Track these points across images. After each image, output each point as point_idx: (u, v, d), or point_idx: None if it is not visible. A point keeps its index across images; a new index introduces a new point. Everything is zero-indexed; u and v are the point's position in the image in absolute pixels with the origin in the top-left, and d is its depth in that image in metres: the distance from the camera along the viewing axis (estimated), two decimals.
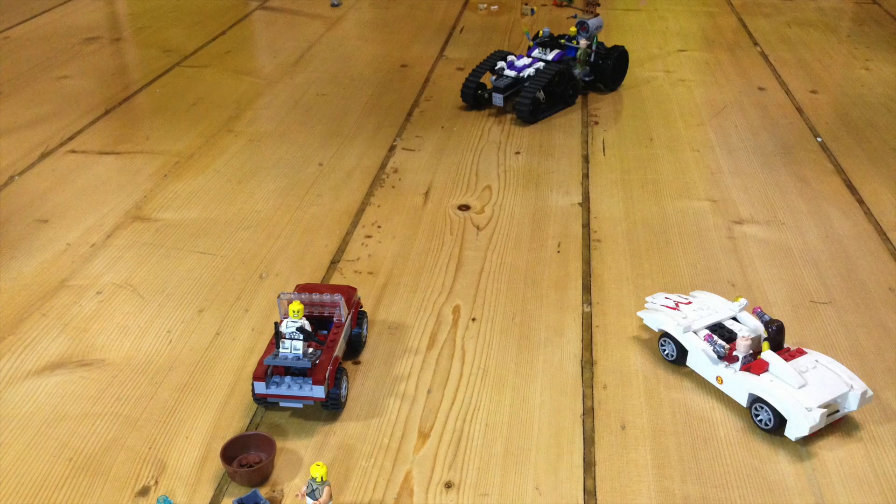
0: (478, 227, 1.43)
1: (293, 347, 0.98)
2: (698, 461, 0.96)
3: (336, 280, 1.29)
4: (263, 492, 0.91)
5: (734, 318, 1.09)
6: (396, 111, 1.90)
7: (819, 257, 1.35)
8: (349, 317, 1.08)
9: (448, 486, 0.93)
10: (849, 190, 1.56)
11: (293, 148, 1.72)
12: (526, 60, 1.88)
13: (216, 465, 0.95)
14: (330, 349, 1.01)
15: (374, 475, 0.94)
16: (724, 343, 1.04)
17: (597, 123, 1.84)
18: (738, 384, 1.00)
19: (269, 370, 1.00)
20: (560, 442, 0.99)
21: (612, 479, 0.94)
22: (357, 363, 1.11)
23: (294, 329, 0.99)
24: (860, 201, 1.52)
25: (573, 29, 1.93)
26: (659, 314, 1.10)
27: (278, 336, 0.99)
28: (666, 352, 1.09)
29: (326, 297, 1.05)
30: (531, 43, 1.96)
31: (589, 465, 0.96)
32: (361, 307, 1.14)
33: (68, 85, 2.04)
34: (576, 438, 0.99)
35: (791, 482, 0.93)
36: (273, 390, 0.98)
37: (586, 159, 1.68)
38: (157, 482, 0.93)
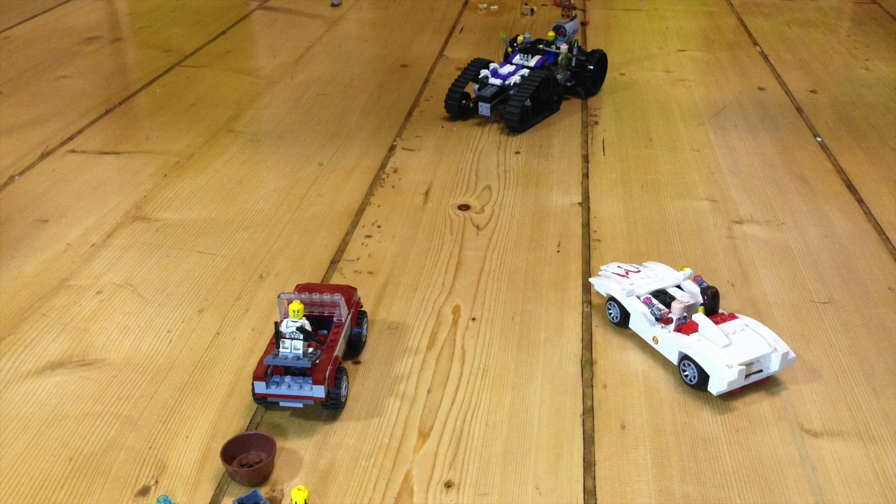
0: (478, 227, 1.43)
1: (293, 347, 0.98)
2: (698, 461, 0.96)
3: (336, 280, 1.29)
4: (263, 492, 0.91)
5: (678, 287, 1.16)
6: (396, 111, 1.90)
7: (819, 257, 1.35)
8: (349, 316, 1.08)
9: (448, 485, 0.93)
10: (848, 190, 1.56)
11: (293, 148, 1.72)
12: (509, 68, 1.84)
13: (216, 464, 0.95)
14: (330, 349, 1.01)
15: (374, 475, 0.94)
16: (661, 306, 1.12)
17: (597, 123, 1.84)
18: (671, 343, 1.08)
19: (270, 370, 1.00)
20: (560, 442, 0.99)
21: (612, 479, 0.94)
22: (357, 363, 1.11)
23: (294, 329, 0.99)
24: (860, 201, 1.52)
25: (551, 34, 1.90)
26: (608, 281, 1.18)
27: (278, 336, 0.99)
28: (612, 314, 1.17)
29: (326, 297, 1.05)
30: (509, 49, 1.92)
31: (589, 464, 0.96)
32: (361, 307, 1.15)
33: (68, 85, 2.04)
34: (576, 438, 0.99)
35: (791, 482, 0.93)
36: (273, 390, 0.99)
37: (586, 159, 1.68)
38: (157, 482, 0.93)
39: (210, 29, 2.48)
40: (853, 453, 0.97)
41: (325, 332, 1.06)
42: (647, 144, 1.74)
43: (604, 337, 1.16)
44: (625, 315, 1.15)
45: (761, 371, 1.05)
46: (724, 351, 1.03)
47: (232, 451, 0.94)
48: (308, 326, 1.00)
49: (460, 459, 0.96)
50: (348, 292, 1.11)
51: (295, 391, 0.98)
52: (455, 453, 0.97)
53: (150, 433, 1.00)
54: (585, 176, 1.61)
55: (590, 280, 1.20)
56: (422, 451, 0.97)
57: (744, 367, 1.02)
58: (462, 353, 1.13)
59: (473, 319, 1.20)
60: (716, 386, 1.03)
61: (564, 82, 1.90)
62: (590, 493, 0.92)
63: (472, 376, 1.09)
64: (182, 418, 1.02)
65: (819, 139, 1.76)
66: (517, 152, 1.70)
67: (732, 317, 1.10)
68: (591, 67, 1.91)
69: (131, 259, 1.34)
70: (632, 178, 1.60)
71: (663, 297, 1.14)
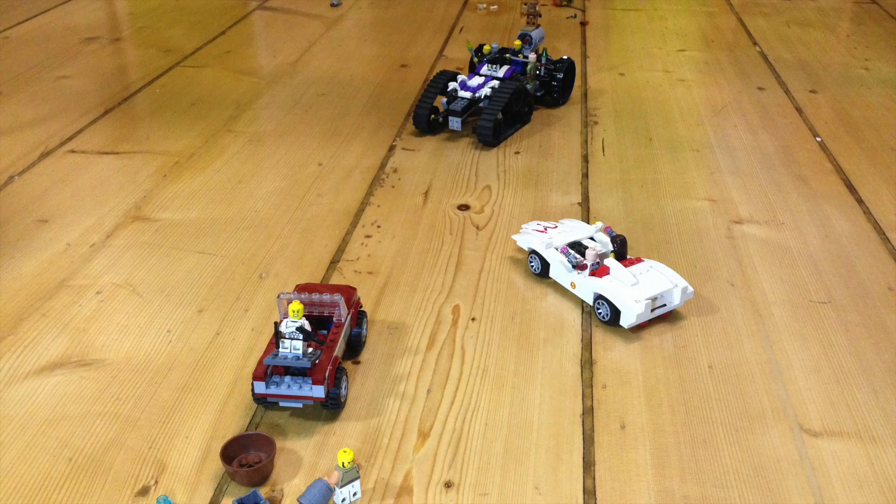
0: (477, 227, 1.43)
1: (293, 347, 0.98)
2: (698, 461, 0.96)
3: (336, 280, 1.29)
4: (263, 492, 0.91)
5: (591, 238, 1.28)
6: (396, 111, 1.90)
7: (818, 257, 1.35)
8: (349, 316, 1.08)
9: (448, 485, 0.93)
10: (848, 189, 1.56)
11: (293, 148, 1.72)
12: (478, 79, 1.77)
13: (216, 464, 0.95)
14: (329, 349, 1.01)
15: (374, 475, 0.94)
16: (577, 255, 1.24)
17: (596, 123, 1.84)
18: (586, 286, 1.20)
19: (269, 370, 1.00)
20: (560, 441, 0.99)
21: (612, 479, 0.94)
22: (357, 363, 1.11)
23: (294, 329, 0.99)
24: (859, 201, 1.52)
25: (517, 42, 1.85)
26: (529, 236, 1.29)
27: (278, 336, 0.99)
28: (533, 266, 1.29)
29: (326, 297, 1.05)
30: (475, 59, 1.86)
31: (588, 464, 0.96)
32: (361, 307, 1.15)
33: (68, 85, 2.04)
34: (575, 438, 0.99)
35: (790, 482, 0.93)
36: (273, 390, 0.99)
37: (586, 159, 1.68)
38: (156, 482, 0.93)
39: (210, 29, 2.48)
40: (853, 453, 0.97)
41: (325, 332, 1.06)
42: (647, 144, 1.74)
43: (603, 337, 1.16)
44: (545, 266, 1.26)
45: (665, 305, 1.18)
46: (633, 289, 1.16)
47: (232, 452, 0.94)
48: (308, 326, 1.00)
49: (460, 459, 0.96)
50: (348, 292, 1.11)
51: (295, 391, 0.98)
52: (455, 453, 0.97)
53: (149, 433, 1.00)
54: (585, 176, 1.61)
55: (512, 237, 1.32)
56: (421, 451, 0.97)
57: (649, 301, 1.14)
58: (462, 353, 1.13)
59: (473, 319, 1.20)
60: (626, 319, 1.15)
61: (533, 92, 1.84)
62: (589, 493, 0.92)
63: (472, 376, 1.09)
64: (182, 418, 1.02)
65: (819, 139, 1.76)
66: (517, 152, 1.70)
67: (639, 260, 1.22)
68: (560, 76, 1.85)
69: (131, 259, 1.34)
70: (631, 177, 1.60)
71: (578, 247, 1.26)
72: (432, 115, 1.75)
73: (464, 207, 1.50)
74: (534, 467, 0.95)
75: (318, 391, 0.98)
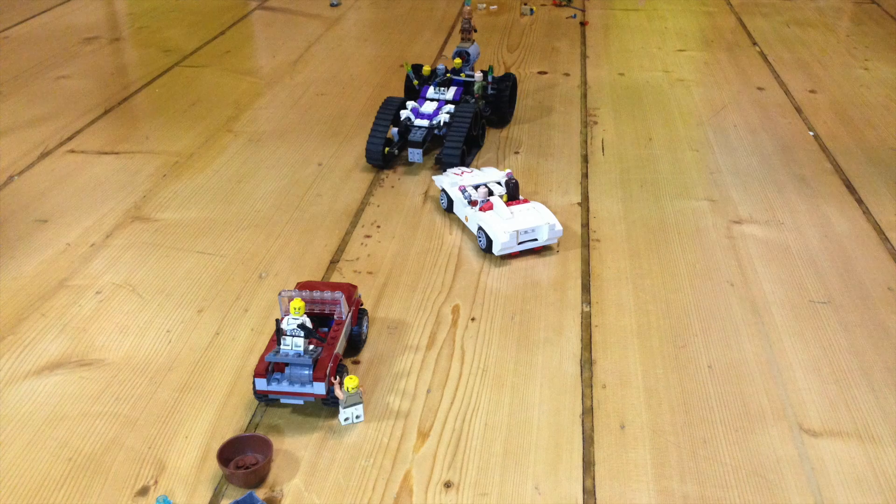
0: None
1: (294, 344, 0.99)
2: (697, 461, 0.96)
3: (335, 280, 1.29)
4: (262, 493, 0.91)
5: (497, 182, 1.44)
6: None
7: (818, 257, 1.35)
8: (349, 314, 1.08)
9: (447, 485, 0.93)
10: (847, 189, 1.56)
11: (292, 148, 1.72)
12: (431, 105, 1.65)
13: (216, 464, 0.95)
14: (330, 346, 1.01)
15: (374, 475, 0.94)
16: (472, 193, 1.39)
17: (596, 123, 1.84)
18: (474, 219, 1.37)
19: (270, 367, 1.00)
20: (559, 441, 0.99)
21: (612, 479, 0.94)
22: (357, 363, 1.11)
23: (295, 326, 0.99)
24: (859, 201, 1.52)
25: (457, 61, 1.73)
26: (444, 177, 1.48)
27: (279, 333, 0.99)
28: (443, 202, 1.46)
29: (327, 295, 1.06)
30: (415, 82, 1.75)
31: (588, 464, 0.96)
32: (362, 305, 1.15)
33: (67, 85, 2.04)
34: (575, 438, 0.99)
35: (790, 482, 0.93)
36: (274, 387, 0.99)
37: (585, 159, 1.68)
38: (156, 482, 0.93)
39: (209, 29, 2.48)
40: (852, 453, 0.97)
41: (326, 329, 1.06)
42: (647, 144, 1.74)
43: (603, 337, 1.16)
44: (450, 202, 1.44)
45: (536, 240, 1.33)
46: (506, 222, 1.32)
47: (228, 453, 0.94)
48: (309, 324, 1.00)
49: (460, 459, 0.96)
50: (349, 290, 1.11)
51: (296, 388, 0.98)
52: (454, 453, 0.97)
53: (149, 433, 1.00)
54: (585, 176, 1.61)
55: (432, 178, 1.48)
56: (421, 451, 0.97)
57: (515, 232, 1.30)
58: (461, 353, 1.13)
59: (473, 319, 1.20)
60: (495, 247, 1.31)
61: (483, 112, 1.74)
62: (589, 493, 0.92)
63: (472, 376, 1.09)
64: (181, 418, 1.02)
65: (812, 133, 1.77)
66: (516, 152, 1.70)
67: (525, 201, 1.38)
68: (508, 93, 1.75)
69: (130, 259, 1.34)
70: (631, 177, 1.60)
71: (486, 189, 1.41)
72: (386, 149, 1.60)
73: None
74: (533, 467, 0.95)
75: (319, 388, 0.98)
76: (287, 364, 1.00)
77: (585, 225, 1.44)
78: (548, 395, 1.06)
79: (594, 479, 0.94)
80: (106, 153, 1.70)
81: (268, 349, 1.01)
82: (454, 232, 1.42)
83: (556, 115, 1.88)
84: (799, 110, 1.91)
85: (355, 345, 1.12)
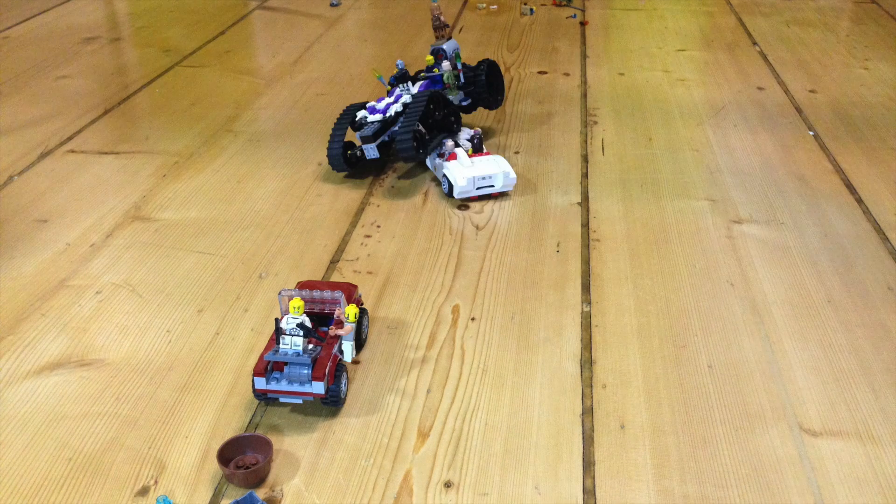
0: (477, 227, 1.43)
1: (293, 344, 0.99)
2: (697, 461, 0.96)
3: (335, 279, 1.29)
4: (262, 493, 0.91)
5: (467, 139, 1.60)
6: None
7: (818, 257, 1.35)
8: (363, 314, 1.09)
9: (447, 485, 0.93)
10: (848, 189, 1.56)
11: (292, 147, 1.72)
12: (388, 99, 1.61)
13: (216, 464, 0.95)
14: (329, 346, 1.01)
15: (374, 474, 0.94)
16: (441, 148, 1.56)
17: (596, 123, 1.84)
18: (440, 168, 1.54)
19: (270, 366, 1.00)
20: (559, 441, 0.99)
21: (612, 479, 0.94)
22: (357, 362, 1.11)
23: (294, 325, 0.99)
24: (859, 200, 1.52)
25: (429, 58, 1.68)
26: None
27: (279, 332, 0.99)
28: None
29: (327, 294, 1.06)
30: (388, 87, 1.67)
31: (588, 464, 0.96)
32: (362, 304, 1.15)
33: (67, 85, 2.04)
34: (575, 438, 0.99)
35: (790, 482, 0.93)
36: (273, 386, 0.99)
37: (585, 159, 1.68)
38: (156, 482, 0.93)
39: (209, 29, 2.48)
40: (852, 453, 0.97)
41: (326, 329, 1.06)
42: (647, 144, 1.74)
43: (603, 337, 1.16)
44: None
45: (492, 186, 1.50)
46: (466, 169, 1.48)
47: (228, 453, 0.94)
48: (308, 323, 1.00)
49: (460, 459, 0.96)
50: (349, 290, 1.11)
51: (295, 387, 0.99)
52: (454, 453, 0.97)
53: (149, 433, 1.00)
54: (585, 176, 1.61)
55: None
56: (421, 451, 0.97)
57: (472, 178, 1.47)
58: (461, 353, 1.13)
59: (473, 319, 1.20)
60: (455, 192, 1.48)
61: (459, 103, 1.69)
62: (589, 492, 0.92)
63: (472, 376, 1.09)
64: (181, 418, 1.02)
65: (812, 133, 1.77)
66: (516, 152, 1.70)
67: (488, 153, 1.55)
68: (483, 78, 1.68)
69: (130, 259, 1.34)
70: (631, 177, 1.60)
71: (453, 143, 1.56)
72: (348, 151, 1.58)
73: (464, 207, 1.50)
74: (533, 467, 0.95)
75: (319, 387, 0.98)
76: (286, 363, 1.00)
77: (585, 225, 1.44)
78: (548, 395, 1.06)
79: (594, 478, 0.94)
80: (106, 153, 1.70)
81: (267, 348, 1.01)
82: (454, 232, 1.42)
83: (556, 115, 1.88)
84: (799, 110, 1.91)
85: (356, 344, 1.12)
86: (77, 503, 0.91)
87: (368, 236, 1.41)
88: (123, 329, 1.18)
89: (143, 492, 0.92)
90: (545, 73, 2.13)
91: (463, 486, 0.93)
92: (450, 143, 1.54)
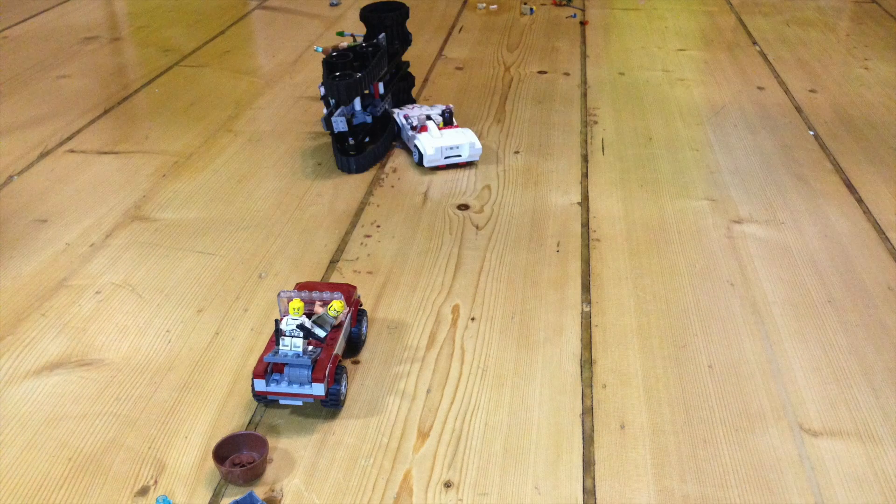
0: (477, 227, 1.43)
1: (293, 345, 0.98)
2: (697, 461, 0.96)
3: (335, 280, 1.29)
4: (262, 492, 0.91)
5: (439, 114, 1.69)
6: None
7: (818, 256, 1.35)
8: (348, 315, 1.08)
9: (447, 485, 0.93)
10: (848, 189, 1.56)
11: (292, 147, 1.72)
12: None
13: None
14: (330, 347, 1.01)
15: (374, 475, 0.94)
16: (416, 120, 1.67)
17: (596, 123, 1.84)
18: (412, 140, 1.64)
19: (269, 368, 1.00)
20: (559, 441, 0.99)
21: (612, 479, 0.94)
22: (356, 363, 1.11)
23: (294, 326, 0.99)
24: (859, 200, 1.52)
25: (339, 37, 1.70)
26: (398, 111, 1.71)
27: (278, 333, 0.99)
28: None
29: (326, 296, 1.06)
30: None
31: (588, 464, 0.96)
32: (361, 305, 1.15)
33: (67, 84, 2.04)
34: (575, 438, 0.99)
35: (790, 482, 0.93)
36: (273, 388, 0.99)
37: (585, 159, 1.68)
38: (156, 482, 0.93)
39: (209, 28, 2.48)
40: (852, 453, 0.97)
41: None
42: (647, 144, 1.74)
43: (603, 337, 1.16)
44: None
45: (459, 156, 1.61)
46: (434, 140, 1.60)
47: (224, 452, 0.94)
48: (308, 324, 1.00)
49: (460, 459, 0.96)
50: (347, 291, 1.11)
51: (295, 389, 0.98)
52: (454, 453, 0.97)
53: (149, 433, 1.00)
54: (585, 175, 1.61)
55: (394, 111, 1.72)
56: (421, 451, 0.97)
57: (440, 148, 1.59)
58: (461, 353, 1.13)
59: (473, 319, 1.20)
60: (424, 160, 1.59)
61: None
62: (589, 492, 0.92)
63: (472, 376, 1.09)
64: (181, 418, 1.02)
65: (812, 132, 1.77)
66: (516, 152, 1.70)
67: (457, 126, 1.67)
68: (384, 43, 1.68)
69: (130, 259, 1.34)
70: (631, 177, 1.60)
71: (425, 116, 1.67)
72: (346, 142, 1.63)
73: (463, 207, 1.50)
74: (533, 467, 0.95)
75: (318, 389, 0.98)
76: (286, 364, 0.99)
77: (585, 225, 1.44)
78: (548, 395, 1.06)
79: (594, 478, 0.94)
80: (106, 153, 1.70)
81: (266, 350, 1.01)
82: (454, 232, 1.42)
83: (556, 114, 1.88)
84: (799, 110, 1.91)
85: (355, 345, 1.12)
86: (77, 503, 0.91)
87: (368, 236, 1.41)
88: (123, 329, 1.18)
89: (143, 492, 0.92)
90: (545, 72, 2.13)
91: (463, 486, 0.92)
92: (422, 116, 1.67)
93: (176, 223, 1.45)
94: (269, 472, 0.94)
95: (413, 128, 1.66)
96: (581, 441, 0.99)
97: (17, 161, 1.66)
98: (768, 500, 0.91)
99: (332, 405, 1.01)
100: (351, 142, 1.61)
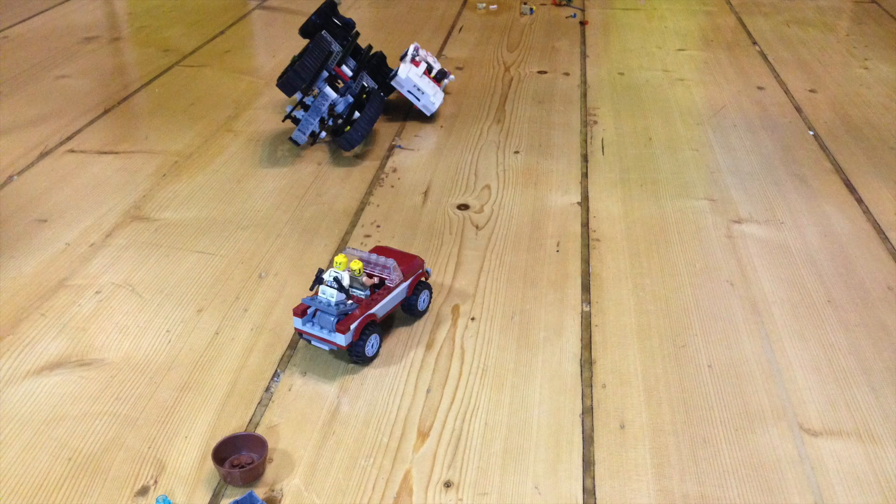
0: (477, 227, 1.43)
1: (329, 294, 1.07)
2: (697, 460, 0.96)
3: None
4: (262, 492, 0.91)
5: (437, 70, 1.87)
6: (395, 110, 1.90)
7: (818, 256, 1.35)
8: (403, 283, 1.14)
9: (447, 485, 0.93)
10: (847, 189, 1.56)
11: (292, 147, 1.72)
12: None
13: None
14: (367, 306, 1.08)
15: (374, 475, 0.94)
16: (417, 57, 1.84)
17: (596, 123, 1.84)
18: (404, 64, 1.79)
19: (310, 310, 1.08)
20: (559, 441, 0.99)
21: (612, 479, 0.94)
22: (356, 363, 1.11)
23: (331, 278, 1.07)
24: (859, 200, 1.52)
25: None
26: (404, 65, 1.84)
27: (318, 281, 1.08)
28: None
29: (380, 260, 1.13)
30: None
31: (588, 464, 0.96)
32: (426, 279, 1.19)
33: (67, 84, 2.04)
34: (575, 438, 0.99)
35: (790, 482, 0.93)
36: (307, 328, 1.07)
37: (585, 158, 1.68)
38: (156, 482, 0.93)
39: (209, 28, 2.48)
40: (852, 453, 0.97)
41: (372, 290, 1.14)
42: (647, 144, 1.74)
43: (603, 336, 1.16)
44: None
45: (418, 99, 1.79)
46: (412, 73, 1.78)
47: (223, 453, 0.94)
48: (346, 281, 1.07)
49: (459, 459, 0.96)
50: (412, 261, 1.16)
51: (323, 334, 1.06)
52: (454, 453, 0.97)
53: (149, 433, 1.00)
54: (584, 175, 1.61)
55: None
56: (421, 451, 0.97)
57: (410, 80, 1.76)
58: (461, 353, 1.13)
59: (473, 319, 1.20)
60: (396, 78, 1.77)
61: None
62: (589, 492, 0.92)
63: (472, 376, 1.09)
64: (181, 418, 1.02)
65: (812, 132, 1.77)
66: (516, 152, 1.70)
67: (437, 85, 1.85)
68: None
69: (130, 259, 1.34)
70: (631, 177, 1.60)
71: (427, 64, 1.85)
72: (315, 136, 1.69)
73: (463, 207, 1.50)
74: (533, 467, 0.95)
75: (339, 339, 1.05)
76: (318, 310, 1.07)
77: (585, 224, 1.44)
78: (548, 395, 1.06)
79: (594, 478, 0.94)
80: (106, 153, 1.70)
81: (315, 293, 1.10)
82: (454, 232, 1.42)
83: (556, 114, 1.88)
84: (799, 110, 1.91)
85: (411, 314, 1.17)
86: (77, 503, 0.91)
87: (368, 236, 1.41)
88: (123, 329, 1.18)
89: (143, 492, 0.92)
90: (545, 72, 2.13)
91: (463, 486, 0.93)
92: (426, 60, 1.86)
93: (176, 223, 1.45)
94: (269, 472, 0.94)
95: (413, 60, 1.83)
96: (581, 441, 0.99)
97: (17, 161, 1.66)
98: (768, 500, 0.91)
99: (355, 357, 1.07)
100: (340, 122, 1.66)
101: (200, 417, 1.02)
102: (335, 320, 1.06)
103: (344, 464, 0.95)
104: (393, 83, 1.77)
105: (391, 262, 1.12)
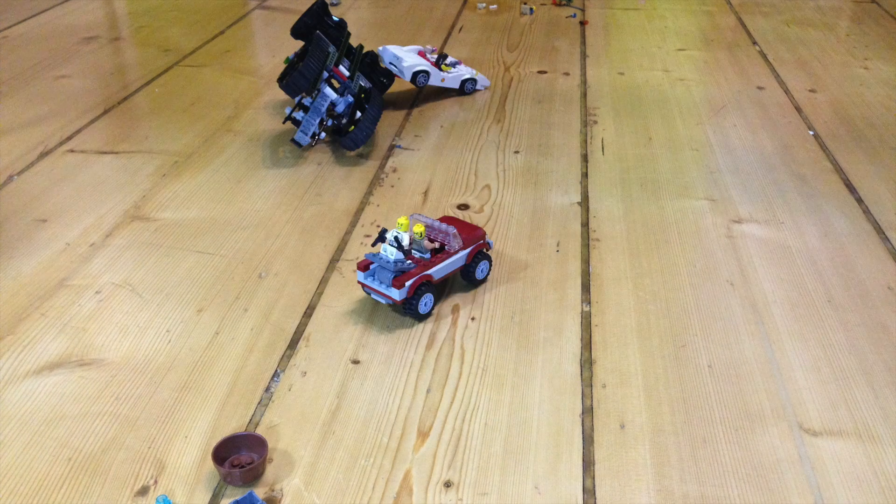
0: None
1: (389, 252, 1.15)
2: (697, 460, 0.96)
3: (335, 280, 1.29)
4: (262, 492, 0.91)
5: (439, 56, 1.95)
6: (395, 110, 1.90)
7: (818, 256, 1.35)
8: (463, 251, 1.21)
9: (447, 485, 0.93)
10: (847, 189, 1.56)
11: (292, 147, 1.72)
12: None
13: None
14: (423, 267, 1.16)
15: (374, 474, 0.94)
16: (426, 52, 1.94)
17: (596, 122, 1.84)
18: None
19: (372, 266, 1.17)
20: (559, 441, 0.99)
21: (612, 479, 0.94)
22: (356, 362, 1.11)
23: (392, 238, 1.15)
24: (859, 200, 1.52)
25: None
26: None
27: (381, 239, 1.15)
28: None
29: (442, 226, 1.20)
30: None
31: (588, 464, 0.96)
32: (487, 250, 1.25)
33: (67, 84, 2.04)
34: (575, 438, 0.99)
35: (790, 482, 0.93)
36: (369, 281, 1.16)
37: (585, 158, 1.68)
38: (156, 482, 0.93)
39: (209, 28, 2.48)
40: (852, 453, 0.97)
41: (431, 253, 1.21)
42: (647, 144, 1.74)
43: (603, 336, 1.16)
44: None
45: (395, 67, 1.87)
46: (406, 54, 1.89)
47: (223, 453, 0.94)
48: (406, 242, 1.15)
49: (459, 459, 0.96)
50: (473, 231, 1.23)
51: (381, 288, 1.15)
52: (454, 453, 0.97)
53: (149, 433, 1.00)
54: (584, 175, 1.61)
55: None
56: (421, 451, 0.97)
57: (396, 55, 1.88)
58: (461, 353, 1.13)
59: (473, 319, 1.20)
60: (380, 55, 1.91)
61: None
62: (589, 492, 0.92)
63: (472, 376, 1.09)
64: (181, 418, 1.02)
65: (812, 132, 1.77)
66: (516, 151, 1.70)
67: (427, 61, 1.91)
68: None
69: (130, 259, 1.34)
70: (631, 177, 1.60)
71: (441, 60, 1.95)
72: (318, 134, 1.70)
73: (463, 207, 1.50)
74: (533, 467, 0.95)
75: (394, 293, 1.14)
76: (377, 266, 1.16)
77: (585, 224, 1.44)
78: (548, 395, 1.06)
79: (594, 478, 0.94)
80: (105, 153, 1.70)
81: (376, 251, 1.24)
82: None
83: (556, 114, 1.88)
84: (799, 110, 1.91)
85: (469, 281, 1.25)
86: (77, 503, 0.91)
87: (368, 236, 1.41)
88: (123, 329, 1.18)
89: (143, 492, 0.92)
90: (545, 72, 2.13)
91: (463, 486, 0.92)
92: (428, 51, 1.96)
93: (176, 223, 1.45)
94: (269, 472, 0.94)
95: (421, 53, 1.94)
96: (581, 441, 0.99)
97: (17, 161, 1.66)
98: (768, 500, 0.91)
99: (409, 312, 1.16)
100: (344, 122, 1.68)
101: (200, 417, 1.02)
102: (392, 276, 1.14)
103: (344, 464, 0.95)
104: (380, 62, 1.86)
105: (451, 229, 1.19)
